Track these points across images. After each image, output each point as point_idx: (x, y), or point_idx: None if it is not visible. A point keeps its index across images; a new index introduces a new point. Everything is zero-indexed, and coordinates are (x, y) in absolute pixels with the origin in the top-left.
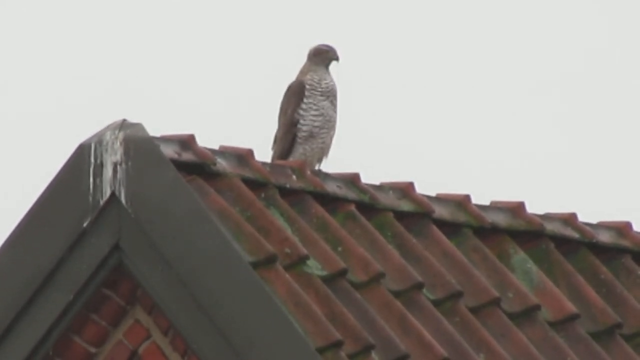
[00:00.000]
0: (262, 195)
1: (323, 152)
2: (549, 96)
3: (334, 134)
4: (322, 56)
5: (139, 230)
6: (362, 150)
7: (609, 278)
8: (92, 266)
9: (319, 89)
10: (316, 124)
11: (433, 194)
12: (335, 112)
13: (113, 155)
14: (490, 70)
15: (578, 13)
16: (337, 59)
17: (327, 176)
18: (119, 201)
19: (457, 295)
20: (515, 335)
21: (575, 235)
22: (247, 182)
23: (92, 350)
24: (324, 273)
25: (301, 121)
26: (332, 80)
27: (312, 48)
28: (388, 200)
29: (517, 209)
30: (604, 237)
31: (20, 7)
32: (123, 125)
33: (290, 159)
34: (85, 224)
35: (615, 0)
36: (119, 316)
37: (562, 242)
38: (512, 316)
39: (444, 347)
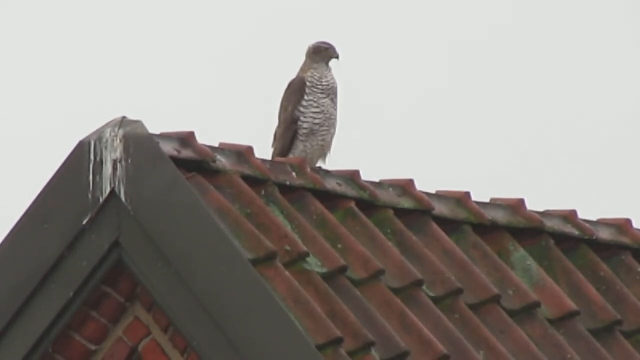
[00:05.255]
0: (262, 192)
1: (323, 149)
2: (549, 95)
3: (334, 131)
4: (322, 54)
5: (138, 228)
6: (362, 147)
7: (609, 275)
8: (91, 263)
9: (320, 86)
10: (316, 121)
11: (433, 190)
12: (335, 109)
13: (113, 153)
14: (489, 67)
15: None
16: (336, 56)
17: (326, 173)
18: (119, 198)
19: (457, 292)
20: (515, 332)
21: (575, 232)
22: (247, 179)
23: (92, 347)
24: (324, 270)
25: (301, 118)
26: (332, 78)
27: (312, 45)
28: (388, 197)
29: (516, 205)
30: (604, 234)
31: (22, 5)
32: (123, 122)
33: (290, 156)
34: (84, 221)
35: None
36: (118, 313)
37: (561, 239)
38: (511, 313)
39: (444, 344)
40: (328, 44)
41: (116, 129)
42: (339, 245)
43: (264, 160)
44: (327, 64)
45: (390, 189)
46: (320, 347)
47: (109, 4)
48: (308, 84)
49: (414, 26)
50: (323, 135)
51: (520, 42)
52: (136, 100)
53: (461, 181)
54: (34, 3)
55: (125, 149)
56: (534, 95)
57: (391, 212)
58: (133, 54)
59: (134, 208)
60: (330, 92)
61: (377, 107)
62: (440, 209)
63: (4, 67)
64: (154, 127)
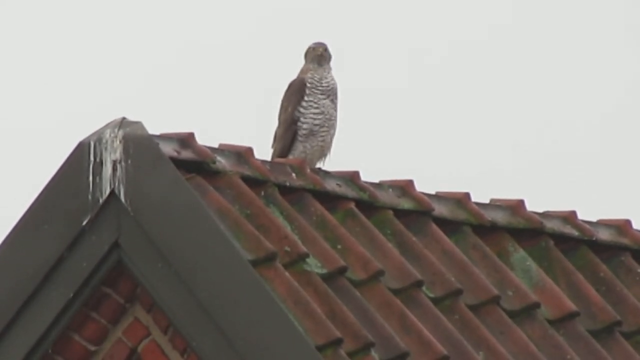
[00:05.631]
0: (262, 193)
1: (323, 150)
2: (549, 93)
3: (334, 132)
4: (310, 54)
5: (138, 229)
6: (362, 148)
7: (609, 276)
8: (91, 264)
9: (320, 88)
10: (316, 122)
11: (433, 191)
12: (335, 110)
13: (112, 154)
14: (490, 66)
15: None
16: (319, 54)
17: (326, 174)
18: (119, 199)
19: (457, 293)
20: (514, 333)
21: (575, 233)
22: (247, 180)
23: (92, 348)
24: (324, 271)
25: (301, 119)
26: (332, 79)
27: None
28: (387, 198)
29: (516, 206)
30: (604, 235)
31: (22, 6)
32: (122, 123)
33: (290, 157)
34: (84, 222)
35: None
36: (118, 314)
37: (561, 240)
38: (511, 314)
39: (444, 345)
40: (316, 43)
41: (116, 130)
42: (339, 246)
43: (263, 161)
44: (321, 64)
45: (390, 189)
46: (320, 348)
47: (109, 4)
48: (308, 84)
49: (414, 26)
50: (323, 136)
51: (520, 42)
52: (136, 101)
53: (461, 182)
54: (34, 3)
55: (125, 150)
56: (534, 95)
57: (391, 213)
58: (133, 55)
59: (134, 209)
60: (331, 93)
61: (378, 107)
62: (440, 210)
63: (4, 67)
64: (153, 128)
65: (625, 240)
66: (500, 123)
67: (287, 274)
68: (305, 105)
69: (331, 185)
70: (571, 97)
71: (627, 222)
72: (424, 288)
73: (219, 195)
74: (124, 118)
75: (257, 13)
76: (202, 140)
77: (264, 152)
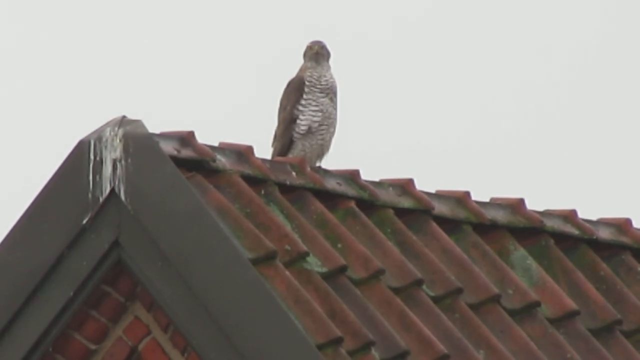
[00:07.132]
0: (262, 191)
1: (323, 148)
2: (550, 93)
3: (334, 130)
4: (307, 53)
5: (138, 227)
6: (362, 146)
7: (609, 275)
8: (91, 263)
9: (319, 86)
10: (315, 120)
11: (433, 190)
12: (335, 109)
13: (113, 152)
14: (490, 66)
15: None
16: (315, 52)
17: (326, 173)
18: (119, 198)
19: (457, 291)
20: (515, 332)
21: (575, 231)
22: (247, 178)
23: (92, 346)
24: (324, 270)
25: (300, 117)
26: (331, 77)
27: None
28: (388, 196)
29: (517, 205)
30: (604, 234)
31: (21, 5)
32: (123, 121)
33: (290, 155)
34: (84, 221)
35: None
36: (118, 313)
37: (562, 238)
38: (512, 313)
39: (444, 344)
40: (313, 42)
41: (116, 128)
42: (339, 245)
43: (264, 160)
44: (317, 62)
45: (390, 188)
46: (321, 347)
47: (111, 2)
48: (307, 83)
49: (414, 27)
50: (322, 134)
51: (518, 41)
52: (136, 99)
53: (461, 180)
54: (34, 3)
55: (125, 149)
56: (534, 95)
57: (391, 211)
58: (133, 53)
59: (134, 208)
60: (330, 92)
61: (378, 105)
62: (440, 208)
63: (4, 66)
64: (153, 126)
65: (625, 239)
66: (501, 123)
67: (287, 272)
68: (304, 103)
69: (331, 184)
70: (572, 96)
71: (628, 221)
72: (424, 287)
73: (219, 194)
74: (124, 116)
75: (258, 9)
76: (202, 138)
77: (264, 150)
